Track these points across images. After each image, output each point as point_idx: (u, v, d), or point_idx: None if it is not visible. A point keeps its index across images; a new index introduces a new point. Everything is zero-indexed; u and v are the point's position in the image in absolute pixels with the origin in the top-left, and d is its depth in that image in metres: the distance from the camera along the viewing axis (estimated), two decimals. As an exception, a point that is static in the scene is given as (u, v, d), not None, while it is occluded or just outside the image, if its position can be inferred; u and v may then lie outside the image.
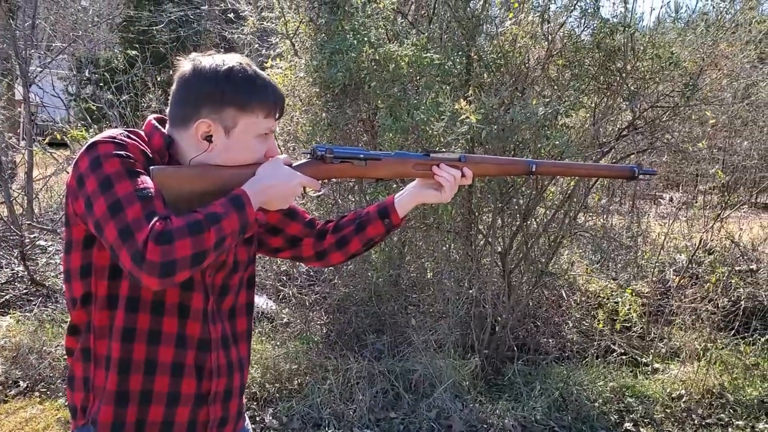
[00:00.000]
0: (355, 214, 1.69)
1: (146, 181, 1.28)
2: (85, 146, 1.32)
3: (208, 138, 1.39)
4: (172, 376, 1.40)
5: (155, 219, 1.23)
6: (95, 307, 1.36)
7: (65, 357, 1.48)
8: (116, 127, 1.41)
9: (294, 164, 1.51)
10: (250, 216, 1.34)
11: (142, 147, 1.35)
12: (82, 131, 4.83)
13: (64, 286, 1.43)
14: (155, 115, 1.47)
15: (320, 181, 1.55)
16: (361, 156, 1.58)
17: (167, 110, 1.45)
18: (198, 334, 1.42)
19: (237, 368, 1.52)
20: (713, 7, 4.27)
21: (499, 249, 4.35)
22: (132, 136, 1.36)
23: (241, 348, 1.55)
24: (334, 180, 1.66)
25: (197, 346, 1.42)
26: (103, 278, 1.35)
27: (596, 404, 3.89)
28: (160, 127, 1.43)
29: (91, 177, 1.27)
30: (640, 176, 1.83)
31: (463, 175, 1.64)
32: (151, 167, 1.32)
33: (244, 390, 1.59)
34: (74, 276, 1.37)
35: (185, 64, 1.40)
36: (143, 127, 1.44)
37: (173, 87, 1.43)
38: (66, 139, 5.44)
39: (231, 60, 1.40)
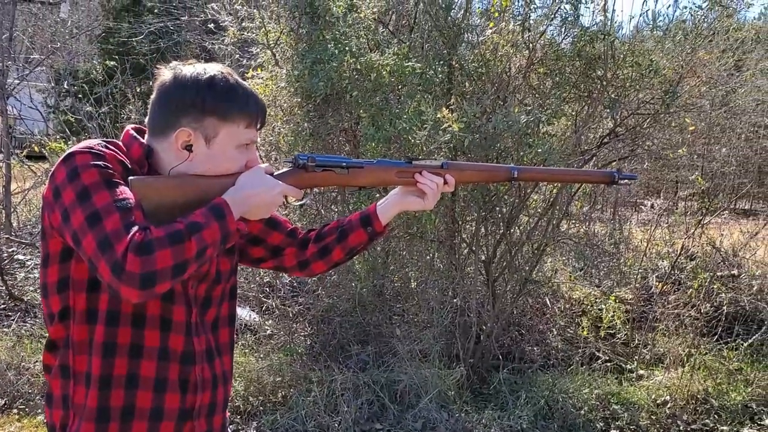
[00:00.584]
0: (338, 222, 1.67)
1: (125, 192, 1.26)
2: (62, 157, 1.29)
3: (188, 147, 1.37)
4: (155, 390, 1.36)
5: (134, 229, 1.21)
6: (74, 322, 1.33)
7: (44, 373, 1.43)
8: (95, 139, 1.37)
9: (276, 173, 1.49)
10: (231, 225, 1.32)
11: (120, 157, 1.33)
12: (60, 144, 4.79)
13: (41, 301, 1.40)
14: (133, 125, 1.45)
15: (303, 190, 1.53)
16: (344, 164, 1.57)
17: (146, 119, 1.43)
18: (181, 347, 1.39)
19: (221, 381, 1.49)
20: (691, 15, 4.32)
21: (483, 257, 4.35)
22: (110, 146, 1.34)
23: (225, 360, 1.52)
24: (316, 189, 1.65)
25: (181, 359, 1.39)
26: (82, 292, 1.32)
27: (582, 412, 3.89)
28: (138, 137, 1.41)
29: (68, 188, 1.24)
30: (621, 181, 1.83)
31: (445, 183, 1.62)
32: (130, 177, 1.30)
33: (228, 403, 1.56)
34: (51, 290, 1.34)
35: (165, 73, 1.38)
36: (121, 137, 1.42)
37: (153, 96, 1.40)
38: (44, 151, 5.38)
39: (212, 69, 1.38)
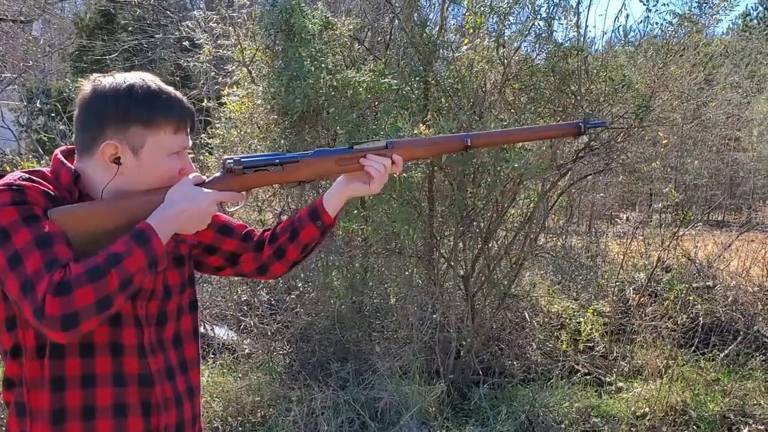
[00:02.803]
0: (289, 219, 1.62)
1: (44, 225, 1.22)
2: None
3: (116, 160, 1.32)
4: (115, 417, 1.33)
5: (54, 268, 1.17)
6: (26, 359, 1.29)
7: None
8: (17, 171, 1.33)
9: (207, 181, 1.44)
10: (158, 249, 1.27)
11: (44, 188, 1.27)
12: (33, 163, 4.71)
13: None
14: (63, 148, 1.40)
15: (240, 194, 1.48)
16: (277, 161, 1.49)
17: (72, 134, 1.39)
18: (136, 369, 1.35)
19: (186, 398, 1.45)
20: (661, 31, 4.39)
21: (462, 272, 4.35)
22: (34, 176, 1.28)
23: (192, 376, 1.48)
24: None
25: (138, 382, 1.35)
26: (29, 328, 1.27)
27: (563, 426, 3.89)
28: (66, 162, 1.35)
29: None
30: (588, 130, 1.72)
31: (393, 163, 1.54)
32: (49, 210, 1.25)
33: (198, 419, 1.52)
34: (1, 329, 1.30)
35: (85, 86, 1.34)
36: (51, 163, 1.36)
37: (75, 112, 1.36)
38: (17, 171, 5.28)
39: (132, 77, 1.34)
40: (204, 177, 1.44)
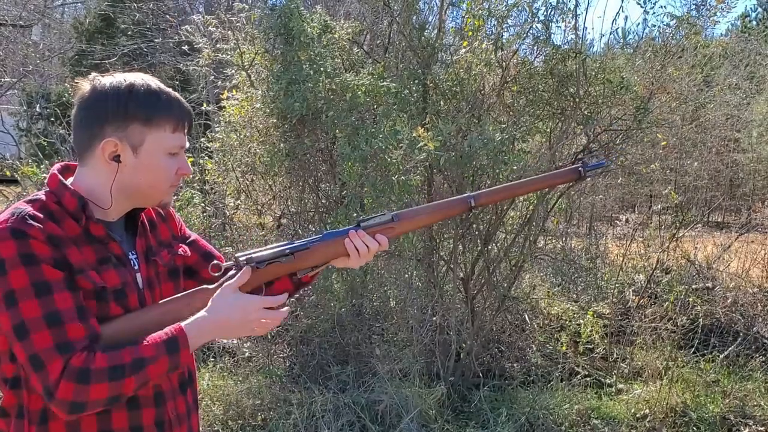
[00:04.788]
0: None
1: (56, 299, 1.19)
2: None
3: (116, 158, 1.31)
4: None
5: (70, 352, 1.17)
6: (29, 392, 1.27)
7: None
8: (21, 204, 1.28)
9: (226, 284, 1.39)
10: (184, 360, 1.28)
11: (48, 230, 1.23)
12: (33, 167, 4.71)
13: None
14: (59, 165, 1.38)
15: (285, 296, 1.44)
16: (287, 251, 1.48)
17: (71, 139, 1.37)
18: (151, 391, 1.35)
19: (194, 409, 1.47)
20: (660, 33, 4.40)
21: (461, 275, 4.35)
22: (37, 214, 1.24)
23: (195, 386, 1.51)
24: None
25: (153, 402, 1.35)
26: None
27: (563, 428, 3.89)
28: (67, 183, 1.32)
29: None
30: (589, 174, 1.73)
31: (379, 244, 1.53)
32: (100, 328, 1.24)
33: (199, 425, 1.53)
34: (3, 359, 1.28)
35: (84, 85, 1.33)
36: (47, 183, 1.33)
37: (74, 111, 1.35)
38: (17, 175, 5.30)
39: (132, 77, 1.34)
40: (246, 276, 1.41)
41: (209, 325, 1.32)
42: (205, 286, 1.41)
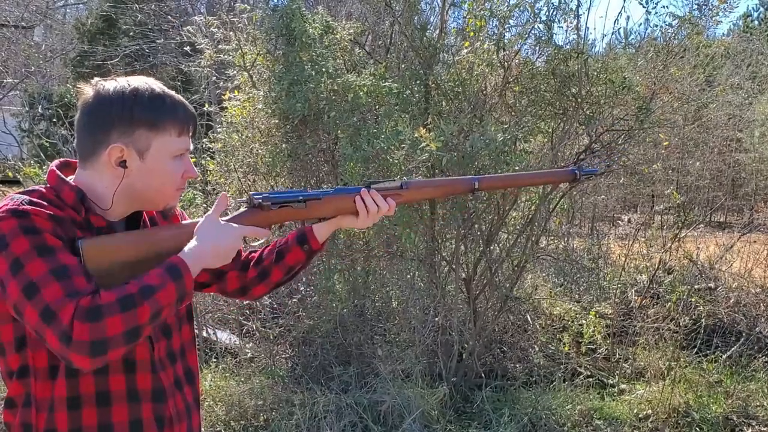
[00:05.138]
0: (276, 243, 1.64)
1: (60, 258, 1.20)
2: None
3: (122, 164, 1.32)
4: None
5: (79, 297, 1.16)
6: (35, 380, 1.27)
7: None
8: (17, 194, 1.30)
9: (230, 216, 1.46)
10: (188, 285, 1.27)
11: (49, 210, 1.24)
12: (35, 168, 4.72)
13: None
14: (58, 162, 1.38)
15: (267, 228, 1.50)
16: (300, 198, 1.54)
17: (74, 144, 1.37)
18: (150, 385, 1.35)
19: (194, 408, 1.47)
20: (662, 33, 4.39)
21: (463, 275, 4.35)
22: (36, 200, 1.25)
23: (196, 385, 1.50)
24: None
25: (152, 397, 1.35)
26: (41, 349, 1.26)
27: (565, 428, 3.88)
28: (65, 178, 1.33)
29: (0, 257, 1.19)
30: (583, 177, 1.84)
31: (388, 207, 1.60)
32: (80, 240, 1.24)
33: (201, 425, 1.53)
34: (9, 349, 1.28)
35: (87, 90, 1.33)
36: (47, 178, 1.33)
37: (77, 116, 1.34)
38: (19, 176, 5.30)
39: (136, 81, 1.34)
40: (228, 203, 1.45)
41: (201, 251, 1.32)
42: (193, 220, 1.43)
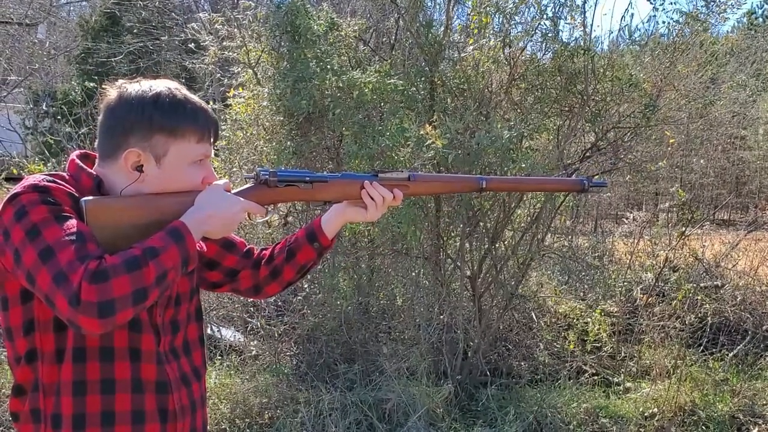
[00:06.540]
0: (286, 241, 1.64)
1: (76, 225, 1.22)
2: (7, 198, 1.24)
3: (139, 168, 1.33)
4: (134, 423, 1.32)
5: (88, 260, 1.16)
6: (43, 364, 1.28)
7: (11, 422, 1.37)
8: (39, 174, 1.32)
9: (236, 190, 1.46)
10: (191, 248, 1.28)
11: (68, 189, 1.27)
12: (39, 165, 4.72)
13: (5, 345, 1.34)
14: (78, 152, 1.40)
15: (266, 206, 1.51)
16: (307, 179, 1.53)
17: (95, 143, 1.39)
18: (154, 376, 1.35)
19: (199, 405, 1.46)
20: (668, 30, 4.37)
21: (469, 273, 4.34)
22: (56, 180, 1.28)
23: (202, 383, 1.50)
24: (281, 204, 1.61)
25: (156, 389, 1.35)
26: (48, 332, 1.27)
27: (571, 427, 3.87)
28: (84, 166, 1.36)
29: (17, 227, 1.20)
30: (590, 188, 1.81)
31: (393, 197, 1.59)
32: (83, 199, 1.25)
33: (206, 425, 1.52)
34: (17, 333, 1.29)
35: (111, 93, 1.34)
36: (67, 167, 1.36)
37: (100, 117, 1.36)
38: (23, 173, 5.30)
39: (158, 85, 1.34)
40: (230, 184, 1.45)
41: (201, 217, 1.33)
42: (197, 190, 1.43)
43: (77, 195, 1.28)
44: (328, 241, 1.61)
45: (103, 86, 1.37)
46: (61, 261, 1.16)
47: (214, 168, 4.68)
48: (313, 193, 1.55)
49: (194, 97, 1.38)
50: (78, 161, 1.36)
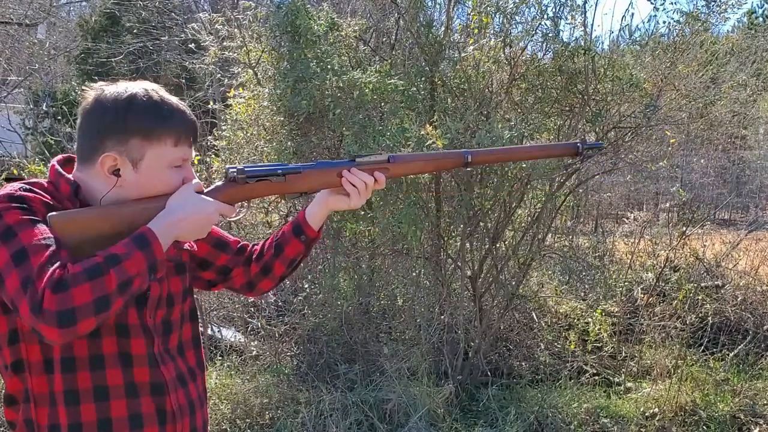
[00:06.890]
0: (274, 236, 1.63)
1: (48, 231, 1.20)
2: None
3: (116, 172, 1.30)
4: (132, 428, 1.32)
5: (55, 265, 1.15)
6: (31, 374, 1.27)
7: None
8: (16, 183, 1.31)
9: (207, 189, 1.43)
10: (158, 254, 1.25)
11: (44, 199, 1.25)
12: (40, 166, 4.71)
13: None
14: (60, 156, 1.38)
15: (236, 205, 1.47)
16: (279, 171, 1.48)
17: (74, 146, 1.37)
18: (149, 378, 1.34)
19: (198, 405, 1.45)
20: (669, 29, 4.37)
21: (469, 273, 4.34)
22: (34, 188, 1.26)
23: (198, 383, 1.48)
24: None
25: (151, 391, 1.34)
26: (34, 342, 1.25)
27: (572, 427, 3.87)
28: (64, 172, 1.33)
29: None
30: (586, 151, 1.75)
31: (375, 180, 1.55)
32: (49, 214, 1.23)
33: (207, 425, 1.51)
34: (2, 343, 1.27)
35: (88, 95, 1.32)
36: (48, 173, 1.34)
37: (78, 120, 1.34)
38: (23, 174, 5.29)
39: (134, 87, 1.31)
40: (202, 185, 1.42)
41: (170, 221, 1.30)
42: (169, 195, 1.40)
43: (54, 203, 1.26)
44: (314, 232, 1.58)
45: (84, 88, 1.34)
46: (33, 264, 1.15)
47: (214, 168, 4.68)
48: (287, 186, 1.50)
49: (172, 99, 1.35)
50: (58, 167, 1.34)
